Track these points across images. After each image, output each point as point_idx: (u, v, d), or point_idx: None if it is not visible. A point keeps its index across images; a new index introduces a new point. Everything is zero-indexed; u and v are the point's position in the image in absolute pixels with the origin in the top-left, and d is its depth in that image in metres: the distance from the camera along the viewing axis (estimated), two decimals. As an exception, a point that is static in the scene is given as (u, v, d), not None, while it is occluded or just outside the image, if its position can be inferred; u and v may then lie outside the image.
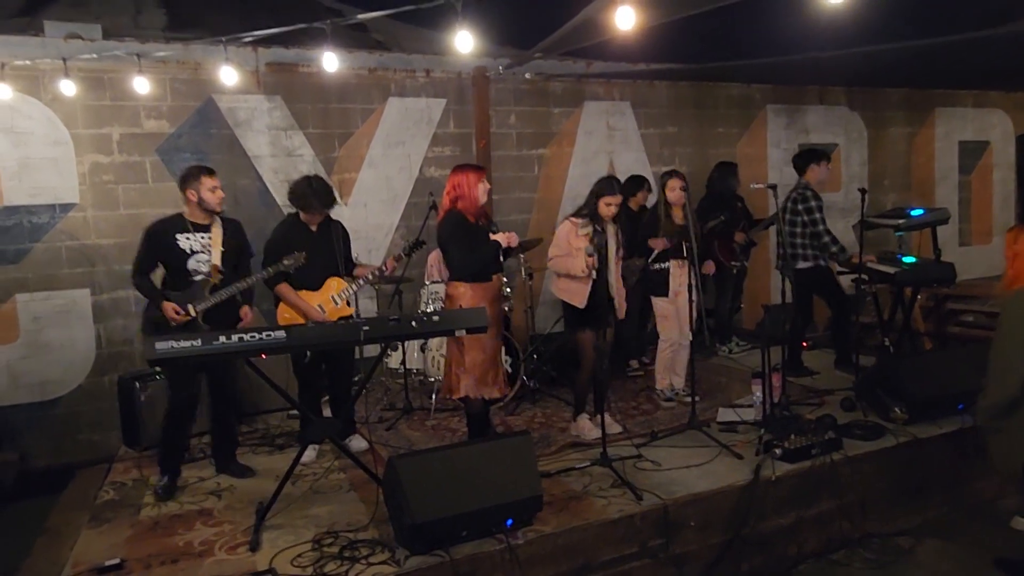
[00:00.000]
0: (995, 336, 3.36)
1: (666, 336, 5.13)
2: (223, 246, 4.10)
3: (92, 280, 5.31)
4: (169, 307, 3.93)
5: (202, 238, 4.08)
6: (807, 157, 5.69)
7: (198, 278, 4.04)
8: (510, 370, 5.31)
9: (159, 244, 4.04)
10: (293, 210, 4.51)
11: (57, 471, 4.85)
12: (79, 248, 5.26)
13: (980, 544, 3.89)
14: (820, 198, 5.49)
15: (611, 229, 4.50)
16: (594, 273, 4.28)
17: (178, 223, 4.08)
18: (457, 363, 4.17)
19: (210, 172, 4.09)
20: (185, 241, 4.04)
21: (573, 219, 4.48)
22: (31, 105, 5.07)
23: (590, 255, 4.23)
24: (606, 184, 4.46)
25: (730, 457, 4.11)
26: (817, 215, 5.40)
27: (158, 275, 4.14)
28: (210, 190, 4.04)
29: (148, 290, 4.06)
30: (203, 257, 4.06)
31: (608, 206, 4.39)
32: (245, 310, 4.23)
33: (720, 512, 3.73)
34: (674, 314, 5.07)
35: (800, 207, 5.47)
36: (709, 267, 5.78)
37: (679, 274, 5.03)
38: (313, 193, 4.36)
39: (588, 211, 4.45)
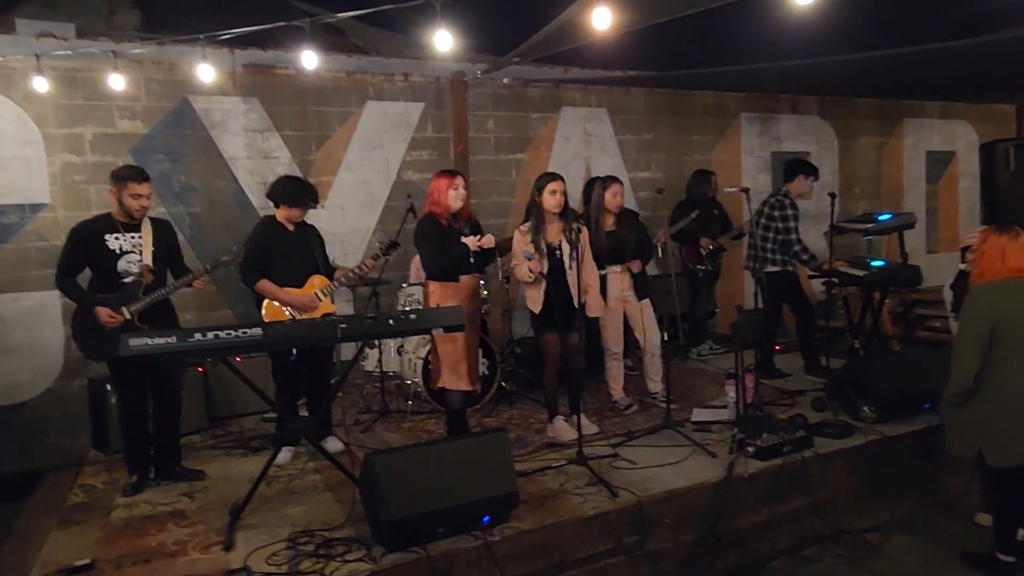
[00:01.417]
0: (957, 329, 3.50)
1: (605, 346, 5.14)
2: (153, 246, 4.02)
3: (62, 282, 5.23)
4: (103, 312, 3.84)
5: (132, 238, 3.99)
6: (798, 167, 5.77)
7: (128, 279, 3.95)
8: (487, 372, 5.32)
9: (86, 245, 3.93)
10: (269, 211, 4.50)
11: (24, 476, 4.75)
12: (49, 249, 5.16)
13: (947, 539, 3.98)
14: (797, 207, 5.60)
15: (557, 226, 4.44)
16: (543, 278, 4.35)
17: (105, 223, 3.99)
18: (434, 354, 4.37)
19: (140, 178, 3.94)
20: (114, 241, 3.95)
21: (521, 227, 4.51)
22: (1, 103, 4.99)
23: (529, 259, 4.30)
24: (544, 176, 4.48)
25: (704, 456, 4.16)
26: (792, 223, 5.50)
27: (83, 277, 4.04)
28: (132, 196, 3.92)
29: (76, 294, 3.95)
30: (133, 257, 3.98)
31: (553, 194, 4.38)
32: (202, 280, 4.14)
33: (694, 509, 3.77)
34: (612, 323, 5.06)
35: (776, 213, 5.57)
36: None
37: (617, 281, 5.05)
38: (301, 187, 4.40)
39: (532, 213, 4.46)
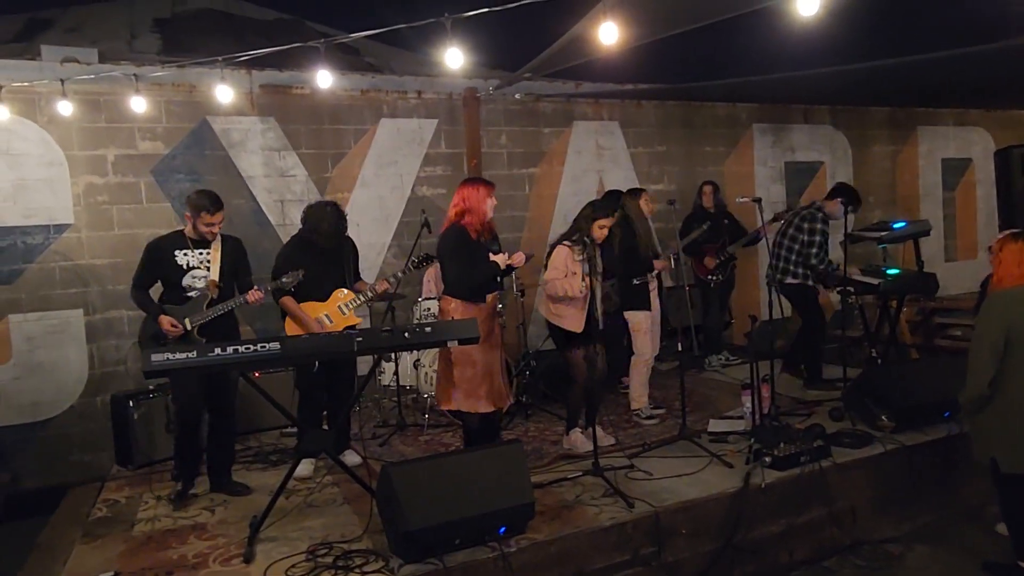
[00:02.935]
0: (972, 336, 3.48)
1: (642, 352, 5.18)
2: (221, 262, 4.17)
3: (86, 300, 5.34)
4: (165, 320, 4.00)
5: (200, 255, 4.14)
6: (843, 191, 5.64)
7: (192, 294, 4.09)
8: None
9: (158, 260, 4.12)
10: (287, 228, 4.58)
11: (48, 492, 4.82)
12: (73, 268, 5.30)
13: (968, 549, 3.93)
14: (828, 223, 5.59)
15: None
16: (587, 296, 4.36)
17: (177, 240, 4.15)
18: (446, 375, 4.22)
19: (214, 210, 4.05)
20: (183, 257, 4.11)
21: (568, 244, 4.49)
22: (27, 127, 5.14)
23: (587, 274, 4.30)
24: (599, 208, 4.53)
25: (720, 466, 4.15)
26: (818, 238, 5.51)
27: (157, 291, 4.20)
28: (206, 225, 4.07)
29: (145, 304, 4.12)
30: (199, 273, 4.12)
31: (602, 228, 4.46)
32: (256, 295, 4.16)
33: (711, 519, 3.76)
34: (649, 329, 5.16)
35: (806, 225, 5.56)
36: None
37: (653, 288, 5.18)
38: (314, 217, 4.43)
39: (581, 235, 4.47)
